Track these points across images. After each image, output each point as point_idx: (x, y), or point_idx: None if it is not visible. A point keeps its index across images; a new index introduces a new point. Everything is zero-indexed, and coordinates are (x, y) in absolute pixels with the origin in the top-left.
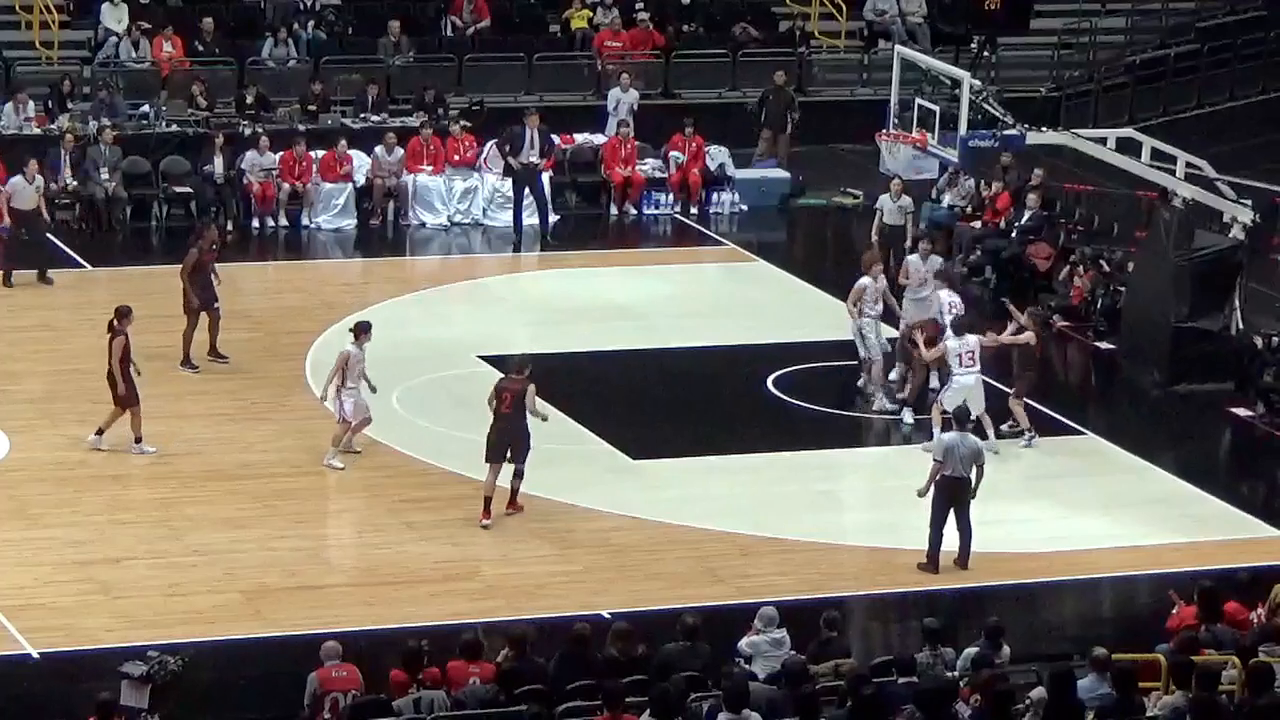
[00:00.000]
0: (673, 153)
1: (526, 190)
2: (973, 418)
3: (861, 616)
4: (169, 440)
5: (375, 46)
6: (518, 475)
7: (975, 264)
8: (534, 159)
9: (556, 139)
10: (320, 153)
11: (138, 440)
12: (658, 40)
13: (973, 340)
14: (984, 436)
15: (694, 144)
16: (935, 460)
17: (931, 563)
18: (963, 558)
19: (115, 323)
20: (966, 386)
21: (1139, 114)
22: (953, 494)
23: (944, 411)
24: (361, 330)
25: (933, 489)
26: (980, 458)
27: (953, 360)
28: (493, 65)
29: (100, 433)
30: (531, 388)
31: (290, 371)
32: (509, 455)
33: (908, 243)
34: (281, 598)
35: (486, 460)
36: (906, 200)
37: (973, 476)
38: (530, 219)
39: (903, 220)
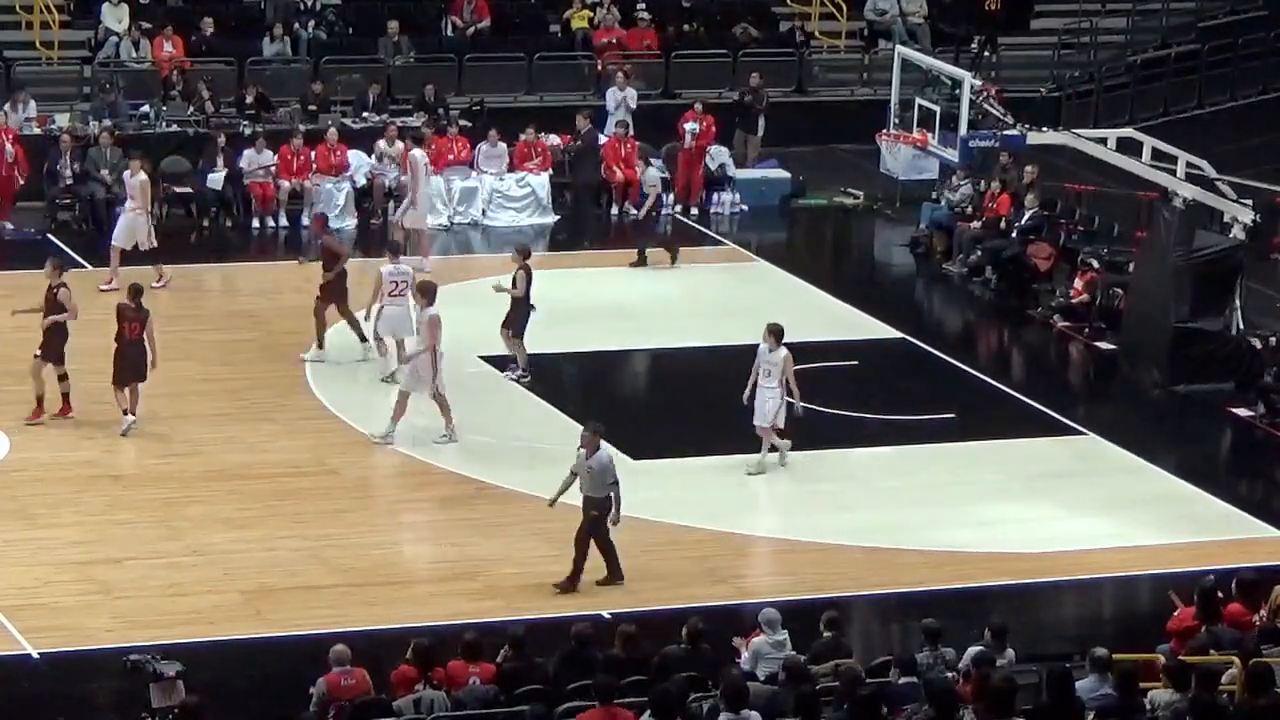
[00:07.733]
0: (687, 124)
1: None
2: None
3: (861, 616)
4: (169, 440)
5: (375, 46)
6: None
7: (975, 264)
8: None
9: (555, 138)
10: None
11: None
12: (657, 40)
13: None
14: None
15: (706, 121)
16: (571, 473)
17: (570, 581)
18: (611, 572)
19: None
20: (391, 317)
21: (1139, 114)
22: (587, 512)
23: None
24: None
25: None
26: (610, 474)
27: (387, 286)
28: (493, 65)
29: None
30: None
31: (290, 371)
32: None
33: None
34: (281, 598)
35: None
36: None
37: (610, 495)
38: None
39: None
